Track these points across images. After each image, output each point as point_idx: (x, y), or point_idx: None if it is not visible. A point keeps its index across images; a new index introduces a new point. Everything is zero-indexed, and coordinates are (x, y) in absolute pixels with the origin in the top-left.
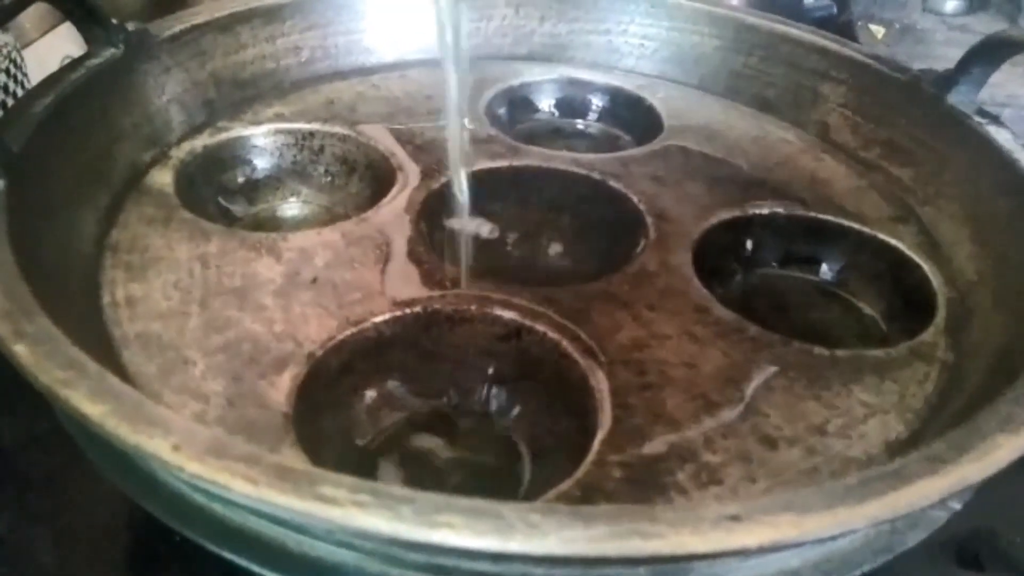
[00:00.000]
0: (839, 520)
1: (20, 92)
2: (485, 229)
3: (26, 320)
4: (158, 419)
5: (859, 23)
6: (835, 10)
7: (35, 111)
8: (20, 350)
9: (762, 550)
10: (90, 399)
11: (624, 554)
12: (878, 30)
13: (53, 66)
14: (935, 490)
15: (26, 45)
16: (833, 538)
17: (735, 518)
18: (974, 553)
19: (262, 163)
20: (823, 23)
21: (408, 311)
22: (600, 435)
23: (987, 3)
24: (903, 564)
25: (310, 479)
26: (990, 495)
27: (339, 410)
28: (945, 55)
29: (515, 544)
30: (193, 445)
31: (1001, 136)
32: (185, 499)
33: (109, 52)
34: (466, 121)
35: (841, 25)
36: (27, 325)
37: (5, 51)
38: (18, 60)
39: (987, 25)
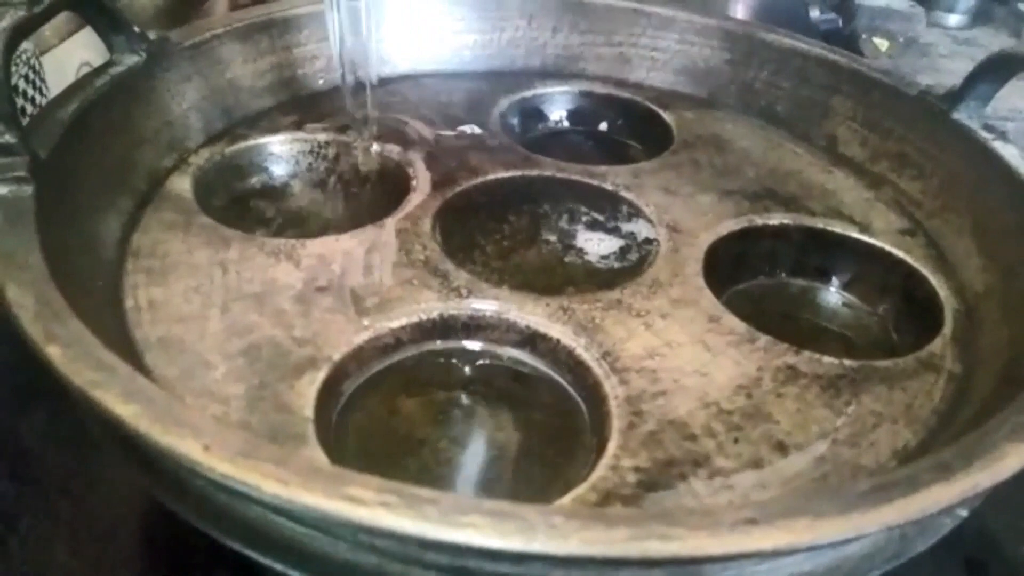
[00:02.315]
0: (853, 525)
1: (39, 98)
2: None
3: (57, 323)
4: (189, 420)
5: (863, 36)
6: (840, 23)
7: (61, 118)
8: (53, 351)
9: (777, 553)
10: (122, 400)
11: (644, 556)
12: (882, 43)
13: (71, 73)
14: (946, 497)
15: (44, 51)
16: (846, 542)
17: (752, 521)
18: (983, 563)
19: (279, 170)
20: (829, 36)
21: (425, 317)
22: (614, 440)
23: (991, 17)
24: (912, 573)
25: (338, 479)
26: (1000, 505)
27: (358, 413)
28: (949, 68)
29: (537, 545)
30: (224, 446)
31: (1007, 151)
32: (210, 499)
33: (131, 60)
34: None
35: (846, 38)
36: (59, 328)
37: (24, 57)
38: (37, 66)
39: (991, 39)
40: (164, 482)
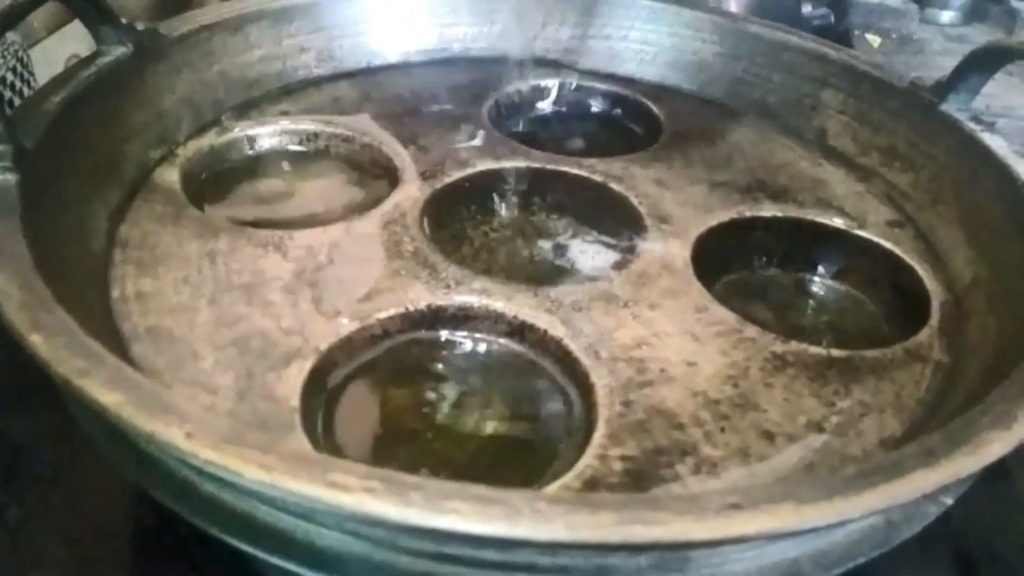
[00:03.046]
0: (837, 509)
1: (27, 90)
2: None
3: (43, 311)
4: (173, 408)
5: (856, 33)
6: (833, 19)
7: (47, 108)
8: (37, 340)
9: (761, 537)
10: (106, 388)
11: (628, 540)
12: (875, 40)
13: (59, 65)
14: (930, 482)
15: (33, 44)
16: (831, 527)
17: (736, 506)
18: (971, 556)
19: (268, 161)
20: (821, 32)
21: (412, 308)
22: (601, 429)
23: (984, 14)
24: (901, 567)
25: (322, 466)
26: (987, 498)
27: (345, 403)
28: (942, 65)
29: (522, 529)
30: (208, 433)
31: (995, 143)
32: (196, 488)
33: (119, 51)
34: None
35: (838, 34)
36: (44, 316)
37: (12, 49)
38: (25, 59)
39: (984, 35)
40: (151, 472)
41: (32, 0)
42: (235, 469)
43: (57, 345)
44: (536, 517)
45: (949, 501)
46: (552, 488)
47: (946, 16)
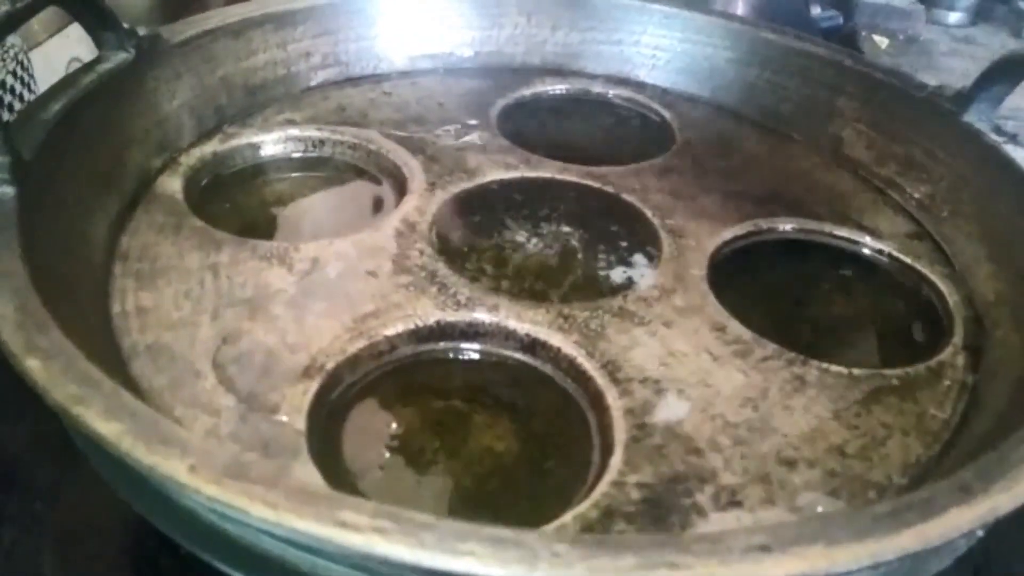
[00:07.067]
0: (870, 551)
1: (27, 94)
2: None
3: (39, 333)
4: (174, 438)
5: (863, 33)
6: (842, 21)
7: (46, 117)
8: (33, 365)
9: None
10: (104, 417)
11: None
12: (882, 41)
13: (60, 68)
14: (966, 520)
15: (33, 47)
16: (861, 569)
17: (764, 548)
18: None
19: (272, 170)
20: (829, 34)
21: (421, 323)
22: (618, 454)
23: (991, 15)
24: None
25: (330, 503)
26: (1008, 521)
27: (353, 423)
28: (949, 66)
29: (540, 574)
30: (210, 466)
31: (1019, 155)
32: (197, 517)
33: (120, 57)
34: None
35: (845, 35)
36: (40, 338)
37: (12, 52)
38: (25, 62)
39: (990, 37)
40: (151, 501)
41: (32, 5)
42: (240, 506)
43: (53, 370)
44: (555, 561)
45: (980, 533)
46: (567, 517)
47: (953, 17)
